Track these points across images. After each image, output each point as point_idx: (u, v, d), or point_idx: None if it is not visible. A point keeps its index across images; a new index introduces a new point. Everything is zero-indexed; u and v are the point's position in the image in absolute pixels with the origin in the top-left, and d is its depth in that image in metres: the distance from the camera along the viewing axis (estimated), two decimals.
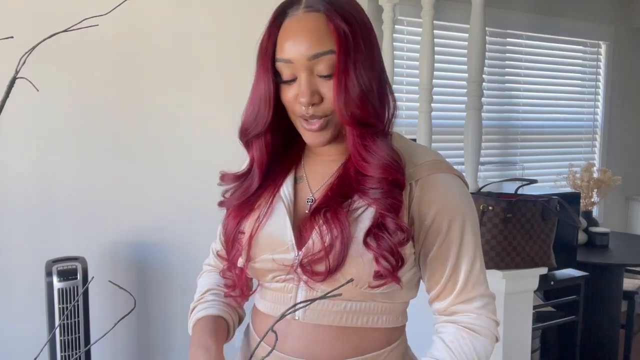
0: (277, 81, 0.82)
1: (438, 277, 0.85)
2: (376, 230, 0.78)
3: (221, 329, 0.93)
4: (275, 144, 0.88)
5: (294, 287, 0.85)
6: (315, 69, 0.79)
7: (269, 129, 0.85)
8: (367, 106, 0.78)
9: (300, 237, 0.83)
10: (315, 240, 0.80)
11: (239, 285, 0.92)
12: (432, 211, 0.82)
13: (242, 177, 0.91)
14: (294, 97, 0.81)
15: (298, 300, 0.85)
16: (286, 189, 0.88)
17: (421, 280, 0.90)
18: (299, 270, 0.81)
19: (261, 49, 0.83)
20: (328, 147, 0.87)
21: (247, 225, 0.88)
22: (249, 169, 0.91)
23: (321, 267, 0.79)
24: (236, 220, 0.89)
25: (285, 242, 0.83)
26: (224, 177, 0.93)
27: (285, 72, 0.80)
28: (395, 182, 0.80)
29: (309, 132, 0.83)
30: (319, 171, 0.89)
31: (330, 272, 0.78)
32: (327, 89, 0.79)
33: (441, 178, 0.84)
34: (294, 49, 0.78)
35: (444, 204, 0.83)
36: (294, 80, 0.80)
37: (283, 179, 0.90)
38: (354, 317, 0.84)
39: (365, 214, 0.80)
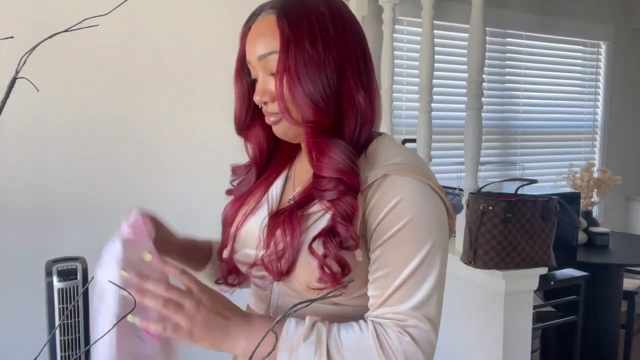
0: (248, 80, 0.89)
1: (373, 281, 0.80)
2: (325, 237, 0.77)
3: (198, 244, 1.02)
4: (272, 140, 0.93)
5: (270, 284, 0.88)
6: (267, 69, 0.82)
7: (256, 124, 0.92)
8: (309, 105, 0.79)
9: (267, 238, 0.85)
10: (271, 243, 0.82)
11: (223, 274, 0.97)
12: (381, 214, 0.78)
13: (249, 168, 0.96)
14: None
15: (272, 298, 0.87)
16: (275, 188, 0.92)
17: None
18: (257, 266, 0.85)
19: (238, 52, 0.89)
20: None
21: (236, 219, 0.92)
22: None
23: (276, 268, 0.81)
24: (232, 209, 0.94)
25: (257, 241, 0.87)
26: (234, 170, 0.99)
27: (252, 73, 0.86)
28: (349, 185, 0.78)
29: (271, 125, 0.87)
30: (304, 173, 0.91)
31: (282, 274, 0.80)
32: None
33: (397, 180, 0.79)
34: (250, 50, 0.84)
35: (393, 205, 0.77)
36: (256, 79, 0.86)
37: (276, 177, 0.93)
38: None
39: (319, 222, 0.80)
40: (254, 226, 0.88)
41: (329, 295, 0.71)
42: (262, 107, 0.86)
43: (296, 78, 0.78)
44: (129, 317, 0.72)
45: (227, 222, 0.94)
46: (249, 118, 0.91)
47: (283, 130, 0.86)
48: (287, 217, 0.81)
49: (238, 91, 0.90)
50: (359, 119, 0.82)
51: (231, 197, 0.97)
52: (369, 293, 0.80)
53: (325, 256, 0.77)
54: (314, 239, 0.78)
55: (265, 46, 0.81)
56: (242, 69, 0.88)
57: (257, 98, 0.84)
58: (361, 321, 0.79)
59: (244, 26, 0.88)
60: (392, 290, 0.77)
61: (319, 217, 0.80)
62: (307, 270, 0.79)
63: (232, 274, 0.95)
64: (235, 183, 0.98)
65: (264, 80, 0.83)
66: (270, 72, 0.82)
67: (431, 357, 0.77)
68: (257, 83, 0.85)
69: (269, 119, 0.86)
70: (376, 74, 0.89)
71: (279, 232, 0.81)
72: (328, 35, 0.80)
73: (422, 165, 0.83)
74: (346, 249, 0.77)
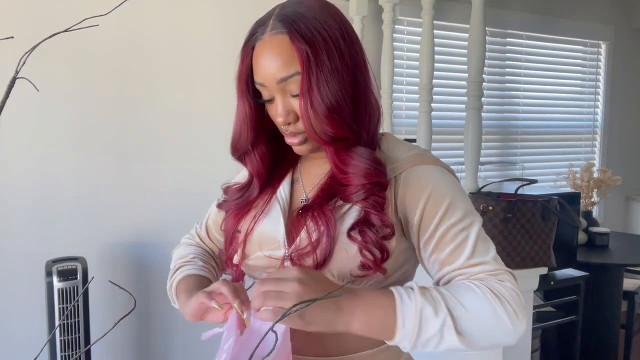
0: (258, 101, 0.87)
1: (441, 262, 0.81)
2: (361, 226, 0.80)
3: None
4: (273, 152, 0.93)
5: None
6: (287, 90, 0.81)
7: (259, 144, 0.90)
8: (335, 122, 0.80)
9: (291, 235, 0.85)
10: (302, 237, 0.83)
11: (233, 281, 0.95)
12: (420, 204, 0.81)
13: (244, 189, 0.94)
14: (275, 115, 0.85)
15: None
16: (283, 190, 0.92)
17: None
18: (288, 264, 0.84)
19: (237, 73, 0.86)
20: (321, 153, 0.89)
21: (244, 224, 0.91)
22: (250, 181, 0.94)
23: (309, 262, 0.81)
24: (236, 219, 0.93)
25: (277, 240, 0.86)
26: (227, 191, 0.97)
27: (264, 94, 0.84)
28: (378, 183, 0.81)
29: (292, 145, 0.87)
30: (312, 173, 0.92)
31: (318, 266, 0.80)
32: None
33: (424, 169, 0.84)
34: (264, 73, 0.81)
35: (429, 194, 0.81)
36: (272, 100, 0.84)
37: (281, 180, 0.93)
38: None
39: (351, 211, 0.83)
40: (268, 227, 0.88)
41: (329, 295, 0.71)
42: (285, 129, 0.85)
43: (319, 96, 0.79)
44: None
45: (230, 232, 0.93)
46: (255, 137, 0.89)
47: (308, 148, 0.86)
48: (318, 208, 0.82)
49: (243, 112, 0.88)
50: (373, 120, 0.86)
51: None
52: (443, 271, 0.81)
53: (365, 242, 0.79)
54: (351, 229, 0.80)
55: (285, 69, 0.79)
56: (247, 90, 0.86)
57: (279, 120, 0.83)
58: (464, 280, 0.79)
59: (245, 46, 0.85)
60: (469, 253, 0.79)
61: (349, 207, 0.83)
62: (343, 259, 0.80)
63: (240, 280, 0.95)
64: (228, 197, 0.97)
65: (285, 102, 0.82)
66: (291, 93, 0.82)
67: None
68: (273, 104, 0.84)
69: (293, 140, 0.85)
70: (376, 74, 0.90)
71: (311, 224, 0.82)
72: (340, 46, 0.81)
73: (435, 156, 0.89)
74: (383, 238, 0.80)
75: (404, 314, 0.71)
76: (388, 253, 0.81)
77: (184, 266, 0.98)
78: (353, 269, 0.80)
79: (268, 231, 0.88)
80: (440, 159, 0.89)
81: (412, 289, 0.74)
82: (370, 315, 0.72)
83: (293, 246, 0.84)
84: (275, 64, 0.80)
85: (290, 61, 0.79)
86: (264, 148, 0.91)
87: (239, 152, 0.91)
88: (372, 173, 0.81)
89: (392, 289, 0.74)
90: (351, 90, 0.82)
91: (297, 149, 0.87)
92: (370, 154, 0.83)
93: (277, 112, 0.83)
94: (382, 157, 0.85)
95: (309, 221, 0.82)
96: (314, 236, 0.81)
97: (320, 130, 0.81)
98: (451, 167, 0.90)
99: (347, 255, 0.80)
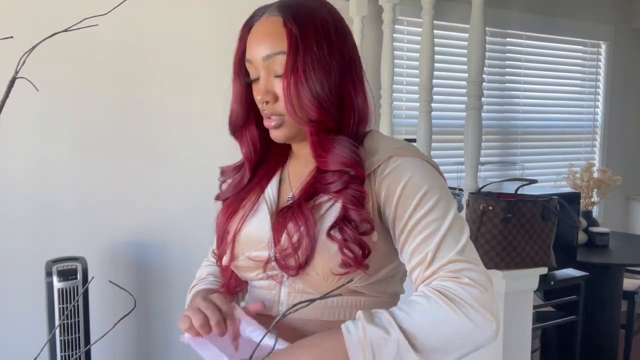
0: (247, 80, 0.89)
1: (414, 251, 0.80)
2: (341, 223, 0.80)
3: None
4: (264, 141, 0.94)
5: (277, 284, 0.88)
6: (272, 69, 0.84)
7: (252, 124, 0.92)
8: (316, 105, 0.82)
9: (274, 236, 0.86)
10: (284, 237, 0.83)
11: (224, 282, 0.97)
12: (396, 194, 0.81)
13: (239, 168, 0.97)
14: (256, 94, 0.87)
15: (281, 297, 0.88)
16: (270, 190, 0.93)
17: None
18: (273, 264, 0.85)
19: (234, 52, 0.90)
20: (305, 148, 0.90)
21: (232, 225, 0.92)
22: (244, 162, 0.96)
23: (292, 262, 0.82)
24: (225, 217, 0.94)
25: (263, 240, 0.87)
26: (223, 172, 0.99)
27: (250, 72, 0.87)
28: (354, 175, 0.82)
29: (269, 129, 0.88)
30: (298, 172, 0.93)
31: (300, 266, 0.81)
32: (281, 89, 0.83)
33: (401, 161, 0.83)
34: (253, 50, 0.85)
35: (405, 184, 0.81)
36: (257, 79, 0.86)
37: (269, 180, 0.94)
38: (337, 311, 0.85)
39: (331, 210, 0.83)
40: (255, 228, 0.89)
41: (329, 295, 0.71)
42: (262, 108, 0.86)
43: (304, 79, 0.81)
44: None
45: (220, 233, 0.94)
46: (246, 117, 0.92)
47: (284, 134, 0.87)
48: (297, 209, 0.83)
49: (236, 91, 0.91)
50: (356, 118, 0.87)
51: (221, 204, 0.98)
52: (412, 264, 0.80)
53: (345, 240, 0.79)
54: (331, 228, 0.80)
55: (272, 46, 0.82)
56: (241, 69, 0.89)
57: (258, 98, 0.85)
58: (418, 292, 0.78)
59: (244, 27, 0.89)
60: (436, 245, 0.77)
61: (330, 206, 0.83)
62: (326, 257, 0.80)
63: (232, 281, 0.96)
64: (224, 186, 0.99)
65: (267, 81, 0.84)
66: (274, 73, 0.83)
67: (494, 296, 0.76)
68: (257, 83, 0.86)
69: (270, 123, 0.86)
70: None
71: (291, 225, 0.82)
72: (331, 40, 0.84)
73: (419, 149, 0.89)
74: (363, 234, 0.80)
75: (354, 345, 0.72)
76: (369, 249, 0.81)
77: (197, 285, 1.01)
78: (333, 267, 0.80)
79: (255, 231, 0.88)
80: (426, 155, 0.89)
81: (359, 318, 0.74)
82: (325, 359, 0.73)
83: (278, 247, 0.84)
84: (265, 42, 0.83)
85: (278, 41, 0.82)
86: (256, 132, 0.93)
87: (234, 129, 0.94)
88: (349, 163, 0.82)
89: (342, 325, 0.74)
90: (338, 84, 0.84)
91: (273, 134, 0.88)
92: (352, 145, 0.84)
93: (258, 89, 0.85)
94: (362, 154, 0.86)
95: (289, 222, 0.83)
96: (295, 237, 0.81)
97: (302, 113, 0.82)
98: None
99: (330, 254, 0.81)
